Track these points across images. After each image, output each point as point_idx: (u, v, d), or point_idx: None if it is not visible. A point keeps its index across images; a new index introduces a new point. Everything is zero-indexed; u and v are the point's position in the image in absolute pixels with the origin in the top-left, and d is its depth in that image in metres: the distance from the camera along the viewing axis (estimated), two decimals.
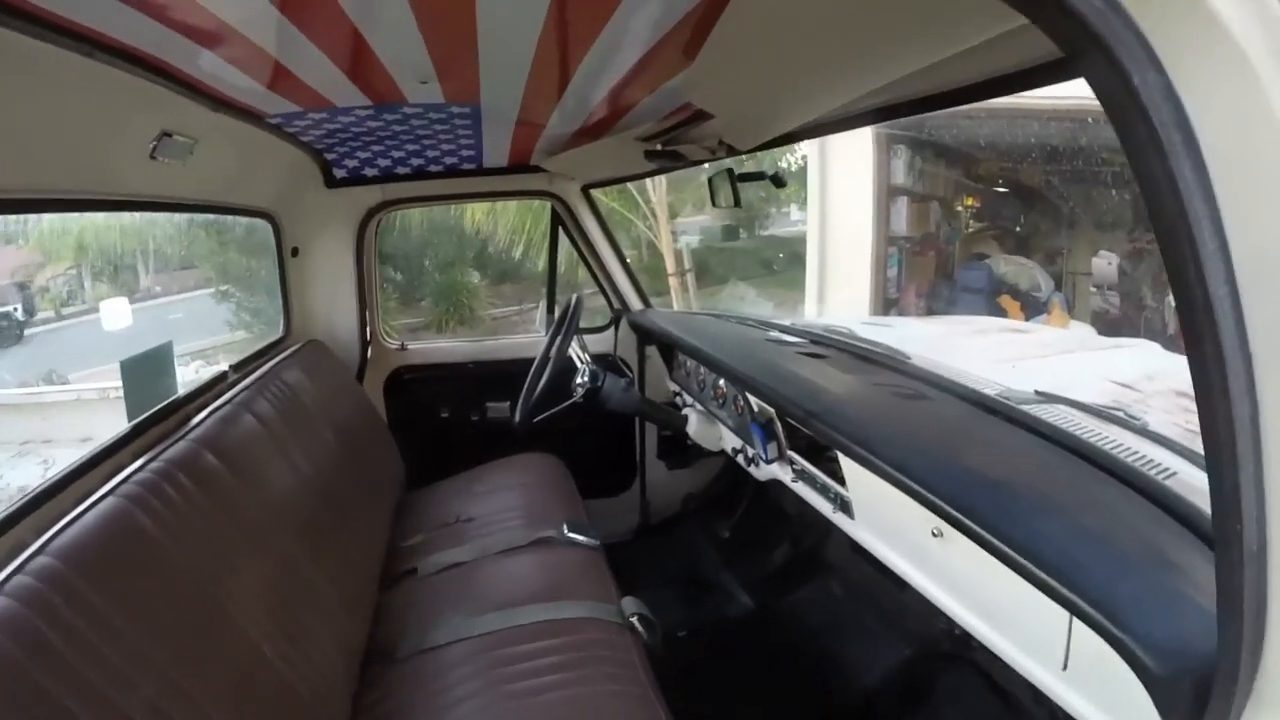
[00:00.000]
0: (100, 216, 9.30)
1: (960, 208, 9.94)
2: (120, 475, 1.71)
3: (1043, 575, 1.25)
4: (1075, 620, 1.27)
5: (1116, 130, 0.67)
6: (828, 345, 2.66)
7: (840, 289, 9.42)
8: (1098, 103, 0.67)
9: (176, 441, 1.94)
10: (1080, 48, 0.66)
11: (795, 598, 3.00)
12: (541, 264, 12.58)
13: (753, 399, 2.48)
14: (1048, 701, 1.75)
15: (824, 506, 2.17)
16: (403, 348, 3.82)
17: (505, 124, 2.64)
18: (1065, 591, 1.21)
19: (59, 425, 5.89)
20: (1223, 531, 0.77)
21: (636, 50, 1.74)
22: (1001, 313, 8.21)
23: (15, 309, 8.49)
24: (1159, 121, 0.64)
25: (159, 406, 2.27)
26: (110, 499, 1.58)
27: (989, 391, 2.00)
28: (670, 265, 12.03)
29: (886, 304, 9.20)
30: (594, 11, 1.49)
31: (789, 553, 3.16)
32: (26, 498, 1.65)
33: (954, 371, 2.20)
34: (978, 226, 9.87)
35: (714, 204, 2.80)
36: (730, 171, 2.66)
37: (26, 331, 8.66)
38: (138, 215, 9.21)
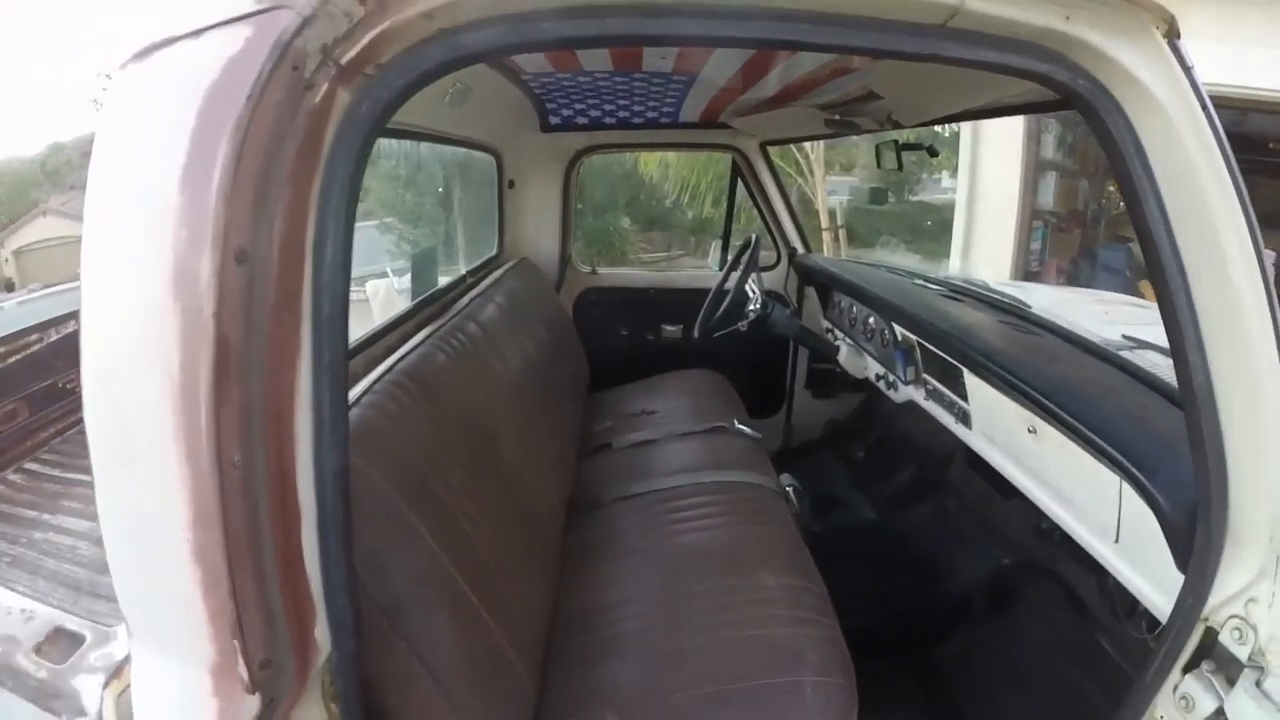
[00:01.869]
0: None
1: (1112, 187, 9.65)
2: (420, 334, 2.31)
3: (1103, 444, 1.64)
4: (1124, 490, 1.63)
5: (1104, 152, 1.14)
6: (963, 293, 3.02)
7: (983, 257, 9.45)
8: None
9: (452, 317, 2.56)
10: (1079, 103, 1.12)
11: (914, 512, 3.36)
12: (691, 214, 12.96)
13: (898, 329, 2.88)
14: (1111, 600, 2.09)
15: (947, 419, 2.60)
16: (593, 271, 4.30)
17: (710, 90, 3.06)
18: (1116, 454, 1.59)
19: None
20: (1182, 377, 1.19)
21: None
22: (1139, 296, 7.97)
23: None
24: (1124, 146, 1.12)
25: (428, 293, 2.87)
26: (422, 346, 2.20)
27: (1091, 338, 2.32)
28: (824, 220, 12.12)
29: (1027, 276, 9.11)
30: None
31: (913, 474, 3.53)
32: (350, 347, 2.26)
33: (1067, 322, 2.51)
34: (1124, 208, 9.46)
35: (879, 166, 3.20)
36: (895, 142, 3.05)
37: None
38: None
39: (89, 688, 1.70)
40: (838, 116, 2.99)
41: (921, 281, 3.35)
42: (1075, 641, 2.35)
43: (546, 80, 3.01)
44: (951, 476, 3.22)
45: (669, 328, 4.24)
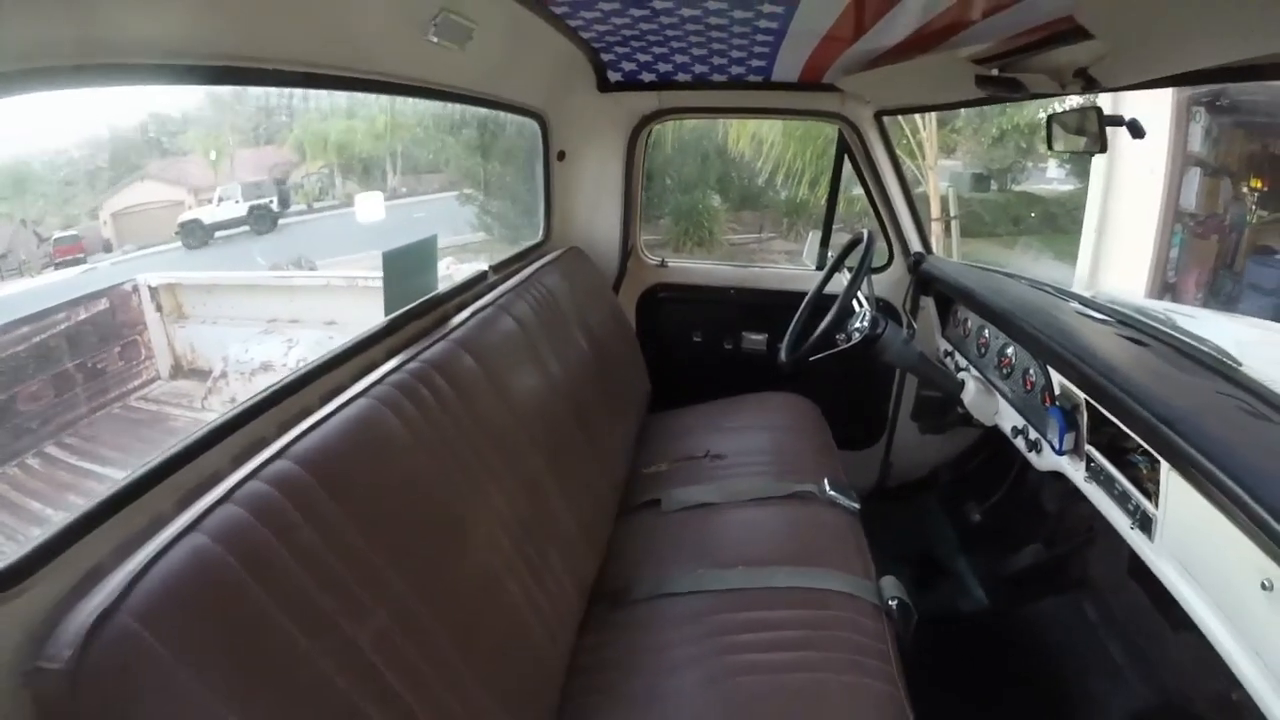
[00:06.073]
0: (350, 121, 10.25)
1: (1251, 187, 8.49)
2: (373, 375, 1.66)
3: None
4: None
5: None
6: (1142, 331, 2.24)
7: (1118, 263, 8.49)
8: None
9: (436, 341, 1.91)
10: None
11: (1037, 608, 2.67)
12: (786, 195, 12.47)
13: (1056, 377, 2.14)
14: None
15: (1116, 516, 1.85)
16: (663, 264, 3.72)
17: (812, 36, 2.40)
18: None
19: (306, 307, 6.26)
20: None
21: None
22: None
23: (271, 201, 9.32)
24: None
25: (418, 302, 2.24)
26: (361, 400, 1.53)
27: None
28: (935, 209, 11.14)
29: (1164, 288, 8.14)
30: None
31: (1040, 554, 2.80)
32: (271, 390, 1.59)
33: None
34: (1274, 215, 8.42)
35: (1049, 148, 2.41)
36: (1097, 110, 2.20)
37: (280, 221, 9.49)
38: (385, 121, 10.17)
39: None
40: (996, 71, 2.17)
41: (1078, 307, 2.55)
42: None
43: (588, 14, 2.39)
44: (1097, 574, 2.52)
45: (751, 336, 3.66)
